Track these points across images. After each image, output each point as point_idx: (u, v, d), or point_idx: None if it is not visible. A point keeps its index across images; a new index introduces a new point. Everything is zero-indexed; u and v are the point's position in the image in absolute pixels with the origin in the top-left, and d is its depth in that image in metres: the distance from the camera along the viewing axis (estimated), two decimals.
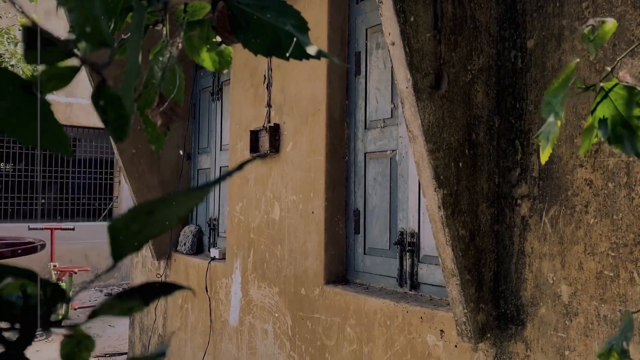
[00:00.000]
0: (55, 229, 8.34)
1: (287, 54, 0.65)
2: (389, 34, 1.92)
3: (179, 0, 0.77)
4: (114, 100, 0.40)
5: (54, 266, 7.88)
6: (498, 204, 2.15)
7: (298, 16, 0.67)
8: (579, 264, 1.88)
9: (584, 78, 1.86)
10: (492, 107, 2.16)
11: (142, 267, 5.50)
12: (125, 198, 11.16)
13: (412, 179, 2.72)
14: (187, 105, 5.12)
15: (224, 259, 4.20)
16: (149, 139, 0.63)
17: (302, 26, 0.67)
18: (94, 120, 10.31)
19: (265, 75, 3.64)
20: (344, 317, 2.88)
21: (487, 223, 2.13)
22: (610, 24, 0.72)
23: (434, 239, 2.07)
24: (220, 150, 4.70)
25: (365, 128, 3.06)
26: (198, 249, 4.85)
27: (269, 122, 3.58)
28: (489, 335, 2.12)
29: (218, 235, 4.67)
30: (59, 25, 9.64)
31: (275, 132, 3.50)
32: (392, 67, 2.86)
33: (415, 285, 2.69)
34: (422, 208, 2.67)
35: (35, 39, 0.38)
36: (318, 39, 3.14)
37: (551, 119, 0.72)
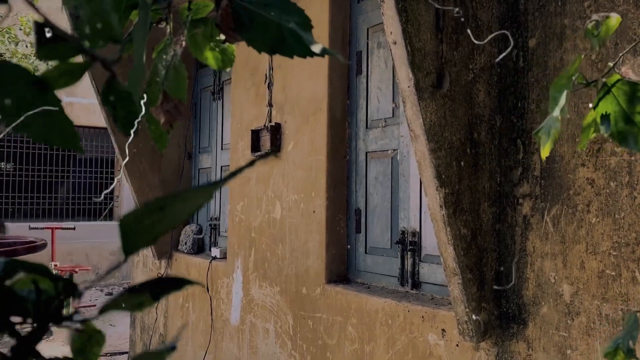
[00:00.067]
0: (56, 228, 8.34)
1: (291, 52, 0.65)
2: (391, 33, 1.92)
3: None
4: (123, 96, 0.40)
5: (55, 265, 7.89)
6: (500, 203, 2.15)
7: (301, 13, 0.67)
8: (581, 263, 1.88)
9: (586, 76, 1.86)
10: (494, 106, 2.15)
11: (142, 266, 5.50)
12: (126, 197, 11.16)
13: (414, 179, 2.72)
14: (188, 104, 5.12)
15: (225, 258, 4.20)
16: (152, 137, 0.63)
17: (306, 24, 0.66)
18: (94, 119, 10.31)
19: (266, 75, 3.64)
20: (346, 316, 2.88)
21: (489, 222, 2.13)
22: (614, 19, 0.72)
23: (436, 238, 2.07)
24: (221, 149, 4.69)
25: (367, 127, 3.06)
26: (199, 248, 4.85)
27: (270, 121, 3.58)
28: (490, 334, 2.11)
29: (219, 235, 4.67)
30: (59, 25, 9.61)
31: (276, 131, 3.49)
32: (393, 66, 2.86)
33: (416, 284, 2.69)
34: (423, 207, 2.67)
35: (46, 36, 0.38)
36: (319, 38, 3.14)
37: (556, 112, 0.72)
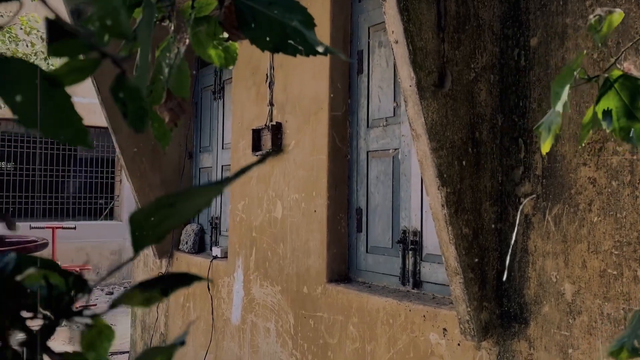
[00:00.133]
0: (57, 227, 8.35)
1: (294, 51, 0.65)
2: (393, 32, 1.92)
3: None
4: (133, 92, 0.40)
5: None
6: (501, 203, 2.15)
7: (304, 12, 0.66)
8: (583, 262, 1.88)
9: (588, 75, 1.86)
10: (496, 106, 2.15)
11: (143, 265, 5.50)
12: (126, 197, 11.16)
13: (415, 178, 2.72)
14: (189, 103, 5.12)
15: (226, 257, 4.20)
16: (155, 135, 0.63)
17: (309, 22, 0.66)
18: (94, 119, 10.31)
19: (267, 74, 3.64)
20: (347, 315, 2.88)
21: (490, 221, 2.13)
22: (617, 14, 0.72)
23: (437, 238, 2.07)
24: (222, 149, 4.69)
25: (368, 127, 3.06)
26: (200, 247, 4.85)
27: (271, 120, 3.58)
28: (492, 333, 2.11)
29: (220, 234, 4.67)
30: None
31: (277, 130, 3.49)
32: (394, 65, 2.86)
33: (417, 283, 2.69)
34: (424, 206, 2.66)
35: (57, 32, 0.38)
36: (320, 37, 3.12)
37: (558, 107, 0.72)
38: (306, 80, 3.29)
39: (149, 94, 0.59)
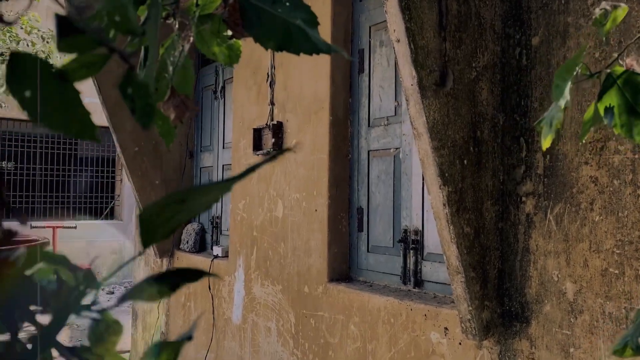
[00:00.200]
0: (58, 227, 8.35)
1: (298, 49, 0.65)
2: (394, 30, 1.92)
3: None
4: (141, 89, 0.40)
5: None
6: (503, 202, 2.15)
7: (308, 10, 0.66)
8: (584, 261, 1.88)
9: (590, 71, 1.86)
10: (497, 105, 2.15)
11: (144, 265, 5.50)
12: (127, 196, 11.17)
13: (416, 177, 2.72)
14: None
15: (227, 256, 4.20)
16: (159, 133, 0.63)
17: (313, 21, 0.66)
18: (95, 118, 10.30)
19: (268, 73, 3.64)
20: (348, 314, 2.88)
21: (492, 220, 2.13)
22: (622, 9, 0.72)
23: (439, 237, 2.07)
24: (223, 148, 4.70)
25: (369, 126, 3.06)
26: (201, 247, 4.85)
27: (272, 120, 3.58)
28: (493, 332, 2.11)
29: (221, 233, 4.67)
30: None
31: (278, 130, 3.49)
32: (395, 64, 2.86)
33: (419, 282, 2.69)
34: (426, 206, 2.66)
35: (67, 28, 0.38)
36: (321, 37, 3.13)
37: (561, 101, 0.72)
38: (307, 79, 3.29)
39: (154, 92, 0.59)
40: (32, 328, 0.39)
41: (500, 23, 2.18)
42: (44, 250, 0.40)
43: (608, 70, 0.74)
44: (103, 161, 11.62)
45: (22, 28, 8.49)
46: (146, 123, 0.42)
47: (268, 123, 3.58)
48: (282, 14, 0.63)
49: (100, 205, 11.57)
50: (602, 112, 0.76)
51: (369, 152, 3.06)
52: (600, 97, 0.75)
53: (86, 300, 0.41)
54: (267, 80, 3.65)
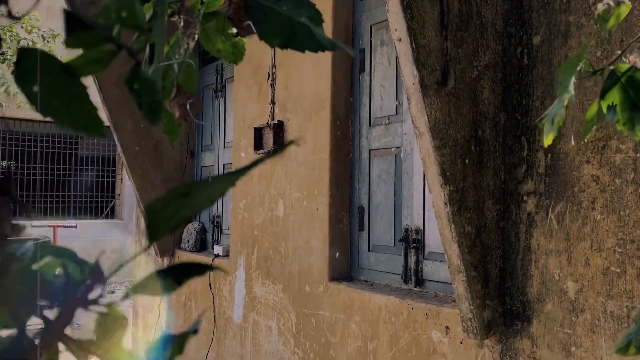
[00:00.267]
0: (58, 226, 8.36)
1: (302, 46, 0.65)
2: (396, 30, 1.92)
3: None
4: (148, 84, 0.40)
5: None
6: (504, 201, 2.15)
7: (313, 8, 0.67)
8: (586, 260, 1.88)
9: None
10: (498, 104, 2.15)
11: (145, 264, 5.50)
12: (127, 195, 11.17)
13: (417, 176, 2.72)
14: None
15: (228, 256, 4.20)
16: (164, 130, 0.63)
17: (317, 18, 0.67)
18: None
19: (269, 72, 3.64)
20: (349, 313, 2.88)
21: (493, 219, 2.13)
22: (625, 6, 0.72)
23: (440, 236, 2.07)
24: (224, 147, 4.70)
25: (370, 125, 3.06)
26: (201, 246, 4.85)
27: (273, 119, 3.58)
28: (494, 331, 2.12)
29: (221, 233, 4.68)
30: (59, 24, 9.64)
31: (279, 129, 3.49)
32: (396, 63, 2.86)
33: (420, 282, 2.69)
34: (427, 205, 2.67)
35: (75, 24, 0.38)
36: None
37: (565, 95, 0.72)
38: (308, 78, 3.29)
39: (161, 89, 0.60)
40: (40, 322, 0.39)
41: (502, 22, 2.18)
42: (51, 245, 0.40)
43: (611, 67, 0.74)
44: (103, 160, 11.62)
45: (22, 27, 8.49)
46: (153, 119, 0.42)
47: (269, 122, 3.58)
48: (287, 11, 0.63)
49: (100, 204, 11.57)
50: (605, 109, 0.76)
51: (370, 151, 3.06)
52: (603, 95, 0.75)
53: (93, 294, 0.41)
54: (268, 80, 3.65)
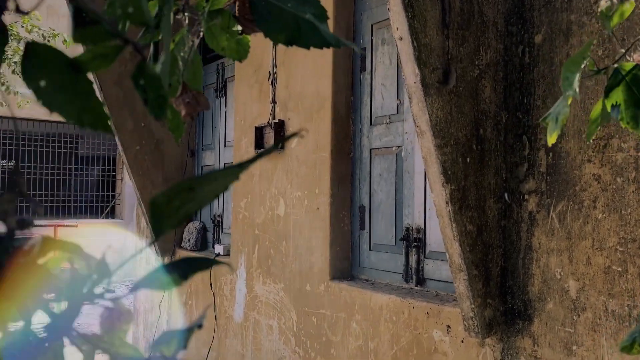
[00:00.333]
0: (59, 225, 8.36)
1: (307, 43, 0.65)
2: (397, 28, 1.92)
3: None
4: (153, 80, 0.41)
5: None
6: (505, 199, 2.15)
7: (318, 5, 0.67)
8: (587, 259, 1.88)
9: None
10: (500, 103, 2.15)
11: (145, 263, 5.51)
12: (127, 195, 11.17)
13: (418, 175, 2.72)
14: None
15: (229, 255, 4.20)
16: (169, 127, 0.63)
17: (322, 15, 0.67)
18: None
19: (269, 71, 3.64)
20: (350, 312, 2.88)
21: (495, 218, 2.13)
22: (629, 4, 0.72)
23: (442, 234, 2.07)
24: (225, 146, 4.70)
25: (371, 124, 3.06)
26: (202, 245, 4.86)
27: (274, 118, 3.58)
28: (495, 330, 2.12)
29: (222, 232, 4.68)
30: (59, 23, 9.65)
31: (280, 128, 3.50)
32: (397, 62, 2.86)
33: (421, 280, 2.69)
34: (428, 204, 2.67)
35: (82, 19, 0.38)
36: None
37: (570, 92, 0.72)
38: (309, 77, 3.29)
39: (167, 87, 0.60)
40: (46, 316, 0.39)
41: (503, 21, 2.18)
42: (57, 240, 0.40)
43: (615, 66, 0.74)
44: (104, 160, 11.62)
45: (23, 26, 8.49)
46: (159, 114, 0.43)
47: (270, 121, 3.59)
48: (292, 8, 0.64)
49: (101, 204, 11.57)
50: (609, 108, 0.76)
51: (371, 150, 3.06)
52: (607, 93, 0.75)
53: (99, 289, 0.42)
54: (268, 79, 3.65)
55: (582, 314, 1.89)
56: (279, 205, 3.53)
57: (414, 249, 2.72)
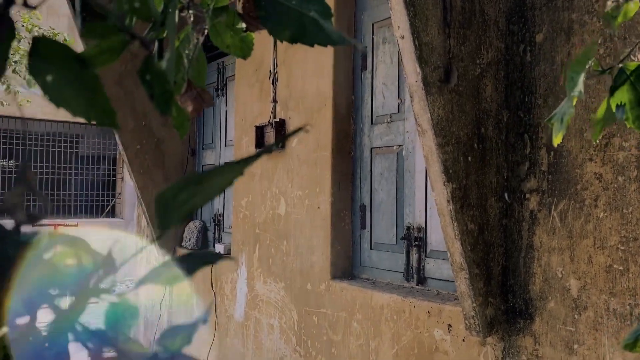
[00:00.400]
0: (59, 225, 8.36)
1: (312, 40, 0.65)
2: (399, 27, 1.92)
3: None
4: (159, 76, 0.41)
5: None
6: (506, 199, 2.15)
7: (322, 2, 0.67)
8: (588, 257, 1.88)
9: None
10: (501, 101, 2.16)
11: (146, 263, 5.51)
12: (128, 194, 11.17)
13: (419, 174, 2.72)
14: None
15: (229, 254, 4.20)
16: (174, 125, 0.63)
17: (326, 12, 0.67)
18: None
19: (270, 71, 3.64)
20: (351, 311, 2.88)
21: (496, 217, 2.13)
22: (633, 3, 0.72)
23: (443, 233, 2.07)
24: (225, 146, 4.70)
25: (372, 123, 3.06)
26: (203, 244, 4.86)
27: (275, 117, 3.58)
28: (497, 329, 2.12)
29: (223, 231, 4.68)
30: (59, 22, 9.65)
31: (280, 127, 3.50)
32: (398, 61, 2.86)
33: (422, 280, 2.69)
34: (429, 203, 2.67)
35: (89, 14, 0.38)
36: None
37: (575, 91, 0.72)
38: (310, 76, 3.29)
39: (173, 83, 0.60)
40: (52, 311, 0.39)
41: (504, 20, 2.18)
42: (63, 234, 0.40)
43: (620, 66, 0.75)
44: (104, 159, 11.62)
45: (23, 26, 8.49)
46: (165, 110, 0.43)
47: (270, 120, 3.59)
48: (296, 5, 0.64)
49: (101, 203, 11.57)
50: (614, 107, 0.76)
51: (371, 149, 3.06)
52: (612, 93, 0.76)
53: (105, 284, 0.42)
54: (269, 78, 3.65)
55: (583, 312, 1.89)
56: (279, 204, 3.53)
57: (415, 248, 2.72)
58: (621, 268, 1.79)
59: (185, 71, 0.60)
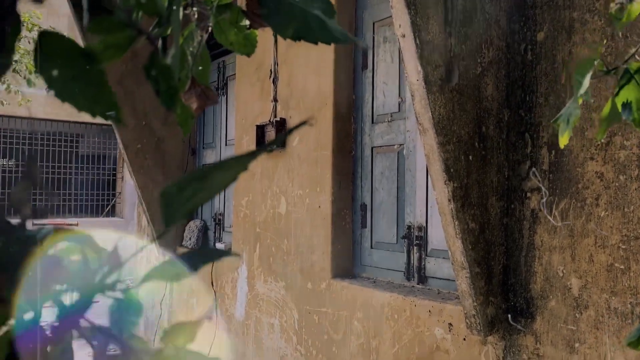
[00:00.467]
0: (59, 224, 8.36)
1: (315, 38, 0.65)
2: (400, 26, 1.92)
3: None
4: (165, 71, 0.41)
5: None
6: (508, 197, 2.15)
7: (326, 0, 0.67)
8: (590, 256, 1.88)
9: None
10: (502, 100, 2.16)
11: (146, 262, 5.51)
12: (128, 194, 11.17)
13: (420, 173, 2.72)
14: None
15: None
16: (178, 122, 0.63)
17: (330, 10, 0.67)
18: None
19: (271, 70, 3.64)
20: (351, 311, 2.88)
21: (497, 216, 2.13)
22: (637, 3, 0.72)
23: (444, 232, 2.07)
24: (226, 145, 4.70)
25: (373, 122, 3.06)
26: (203, 243, 4.86)
27: (275, 116, 3.58)
28: (498, 328, 2.12)
29: (223, 230, 4.68)
30: (59, 22, 9.65)
31: (281, 126, 3.50)
32: (399, 60, 2.86)
33: (422, 279, 2.69)
34: (429, 202, 2.67)
35: (96, 9, 0.38)
36: None
37: (581, 91, 0.72)
38: (310, 76, 3.29)
39: (178, 79, 0.60)
40: (56, 308, 0.39)
41: (505, 18, 2.18)
42: (69, 230, 0.40)
43: (625, 66, 0.75)
44: (104, 159, 11.62)
45: (23, 25, 8.49)
46: (170, 105, 0.43)
47: (271, 120, 3.59)
48: (300, 3, 0.64)
49: (101, 202, 11.57)
50: (619, 107, 0.76)
51: (372, 148, 3.06)
52: (617, 93, 0.76)
53: (110, 280, 0.42)
54: (270, 77, 3.65)
55: (584, 311, 1.89)
56: (280, 203, 3.53)
57: (415, 247, 2.72)
58: (622, 267, 1.79)
59: (189, 68, 0.60)
